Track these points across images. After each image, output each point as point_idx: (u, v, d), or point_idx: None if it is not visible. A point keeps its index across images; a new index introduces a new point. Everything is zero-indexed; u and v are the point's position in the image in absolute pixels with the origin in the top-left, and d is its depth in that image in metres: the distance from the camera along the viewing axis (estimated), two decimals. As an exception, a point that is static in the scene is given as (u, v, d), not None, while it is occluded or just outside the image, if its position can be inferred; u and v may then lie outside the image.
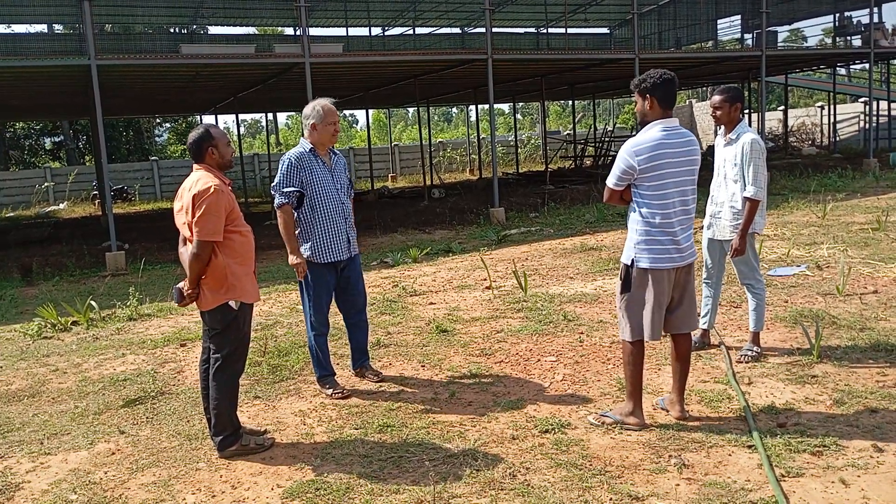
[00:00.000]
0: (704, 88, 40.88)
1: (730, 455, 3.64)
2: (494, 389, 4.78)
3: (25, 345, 6.85)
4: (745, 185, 4.87)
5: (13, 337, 7.22)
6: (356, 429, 4.29)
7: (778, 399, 4.29)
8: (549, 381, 4.88)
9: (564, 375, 4.97)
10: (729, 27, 30.72)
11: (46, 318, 7.38)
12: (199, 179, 3.92)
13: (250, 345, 6.06)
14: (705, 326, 5.32)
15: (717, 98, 5.01)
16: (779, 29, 26.05)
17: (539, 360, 5.35)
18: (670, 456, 3.65)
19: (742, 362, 4.94)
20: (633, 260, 3.93)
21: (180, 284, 4.01)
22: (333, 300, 5.06)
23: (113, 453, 4.17)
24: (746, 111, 28.65)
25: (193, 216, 3.83)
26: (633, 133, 4.15)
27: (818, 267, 7.65)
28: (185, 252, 4.03)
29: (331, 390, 4.89)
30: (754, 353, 5.00)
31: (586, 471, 3.56)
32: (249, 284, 4.07)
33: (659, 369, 4.93)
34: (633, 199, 3.92)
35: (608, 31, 33.00)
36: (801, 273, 7.42)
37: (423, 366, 5.40)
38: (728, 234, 5.03)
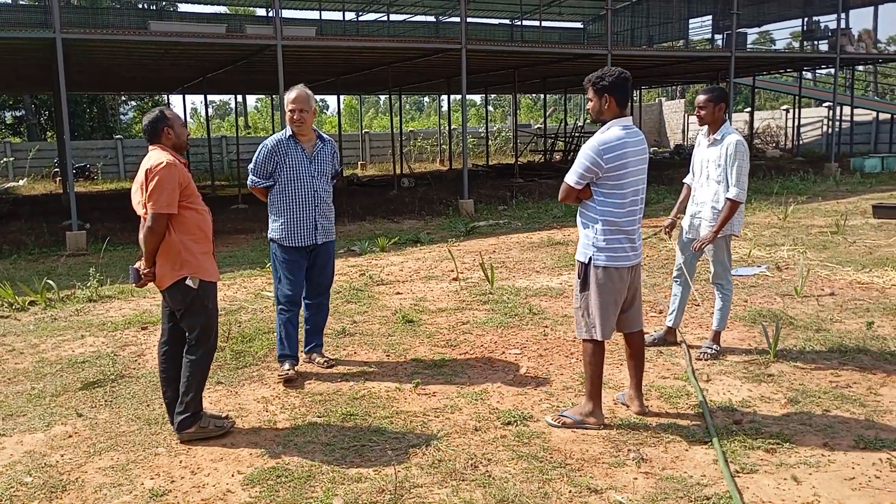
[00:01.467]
0: (674, 87, 41.38)
1: (687, 450, 3.71)
2: (458, 381, 4.81)
3: (-20, 324, 6.69)
4: (727, 186, 4.93)
5: (-32, 315, 7.04)
6: (319, 417, 4.28)
7: (735, 397, 4.39)
8: (513, 374, 4.92)
9: (528, 368, 5.02)
10: (700, 27, 31.11)
11: (3, 297, 7.21)
12: (150, 156, 3.93)
13: (214, 330, 6.02)
14: (670, 324, 5.41)
15: (701, 98, 5.04)
16: (748, 31, 26.42)
17: (503, 352, 5.39)
18: (629, 450, 3.72)
19: (701, 360, 5.03)
20: (590, 258, 3.94)
21: (136, 264, 3.98)
22: None
23: (70, 436, 4.11)
24: (714, 111, 29.05)
25: (147, 189, 3.81)
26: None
27: (778, 268, 7.82)
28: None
29: (282, 370, 4.93)
30: (713, 351, 5.10)
31: (547, 463, 3.61)
32: (207, 263, 4.03)
33: (621, 364, 5.00)
34: (595, 197, 3.90)
35: (581, 26, 33.17)
36: (761, 273, 7.58)
37: (387, 355, 5.40)
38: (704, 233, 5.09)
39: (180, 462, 3.77)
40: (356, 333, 5.98)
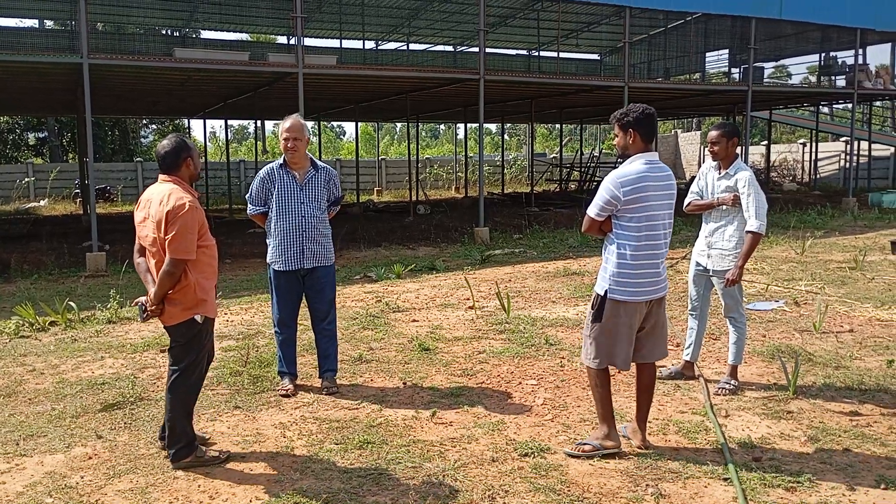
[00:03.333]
0: (690, 119, 41.47)
1: (706, 487, 3.69)
2: (475, 411, 4.81)
3: (2, 343, 6.77)
4: (744, 220, 4.96)
5: (-10, 334, 7.13)
6: (336, 444, 4.29)
7: (754, 433, 4.36)
8: (530, 405, 4.91)
9: (545, 400, 5.01)
10: (717, 60, 31.21)
11: (24, 317, 7.30)
12: (171, 194, 3.86)
13: (231, 354, 6.09)
14: (688, 358, 5.39)
15: (714, 133, 5.10)
16: (765, 65, 26.52)
17: (520, 383, 5.39)
18: (647, 485, 3.70)
19: (719, 395, 5.01)
20: (606, 291, 3.98)
21: (143, 299, 3.98)
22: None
23: (90, 458, 4.14)
24: (730, 144, 29.05)
25: (166, 234, 3.79)
26: (619, 161, 4.22)
27: (796, 303, 7.78)
28: (144, 263, 4.02)
29: (280, 385, 5.23)
30: (732, 387, 5.07)
31: (564, 496, 3.59)
32: (213, 298, 4.10)
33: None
34: (614, 230, 3.96)
35: (598, 58, 33.40)
36: (779, 308, 7.54)
37: (404, 383, 5.41)
38: (720, 266, 5.09)
39: (199, 486, 3.79)
40: (372, 360, 6.00)
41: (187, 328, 3.98)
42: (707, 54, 29.78)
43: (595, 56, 33.00)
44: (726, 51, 28.76)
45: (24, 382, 5.54)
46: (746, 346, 6.10)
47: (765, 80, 23.84)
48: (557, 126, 43.16)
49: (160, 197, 3.89)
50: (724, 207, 5.08)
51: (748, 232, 4.94)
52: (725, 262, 5.07)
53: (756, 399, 4.93)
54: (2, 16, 26.91)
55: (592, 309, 4.06)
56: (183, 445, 4.00)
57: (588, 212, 4.02)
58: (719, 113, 30.68)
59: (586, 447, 4.07)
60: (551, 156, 36.53)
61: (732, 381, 5.11)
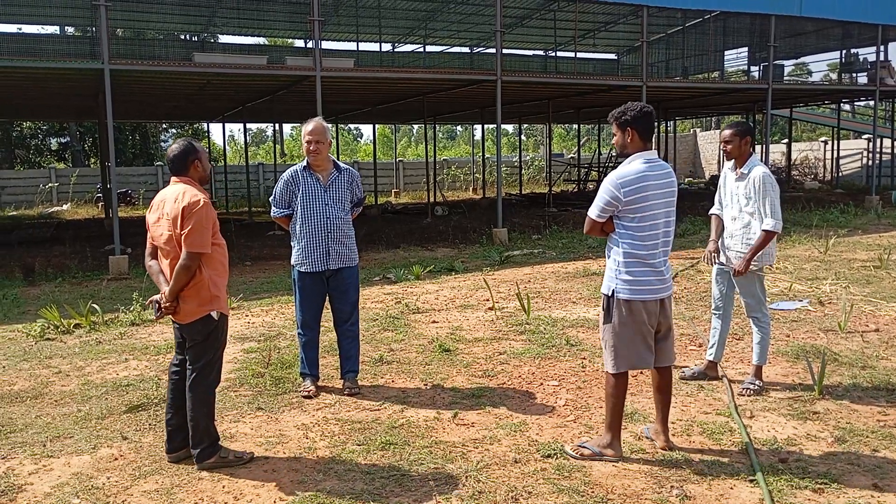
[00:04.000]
0: (709, 118, 41.20)
1: (731, 488, 3.65)
2: (497, 412, 4.80)
3: (28, 345, 6.87)
4: (762, 218, 4.93)
5: (16, 337, 7.23)
6: (358, 445, 4.30)
7: (780, 434, 4.31)
8: (552, 406, 4.89)
9: (567, 401, 4.99)
10: (735, 59, 30.96)
11: (49, 319, 7.39)
12: (185, 192, 3.95)
13: (253, 356, 6.13)
14: (711, 358, 5.35)
15: (727, 132, 5.08)
16: (785, 63, 26.29)
17: (542, 384, 5.37)
18: (672, 486, 3.67)
19: (744, 395, 4.96)
20: (613, 291, 3.96)
21: (157, 297, 4.03)
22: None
23: (116, 458, 4.18)
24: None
25: (183, 228, 3.87)
26: (619, 160, 4.19)
27: (820, 302, 7.69)
28: (156, 265, 4.08)
29: (302, 386, 5.26)
30: (756, 387, 5.02)
31: (588, 497, 3.58)
32: (225, 296, 4.16)
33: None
34: (616, 230, 3.95)
35: (615, 58, 33.25)
36: (803, 308, 7.45)
37: (425, 384, 5.41)
38: (736, 266, 5.06)
39: (223, 487, 3.81)
40: (393, 361, 6.00)
41: (203, 325, 4.02)
42: (726, 52, 29.55)
43: (612, 56, 32.86)
44: (745, 49, 28.53)
45: (51, 384, 5.61)
46: (771, 346, 6.05)
47: (785, 78, 23.63)
48: (575, 126, 43.01)
49: (174, 195, 3.98)
50: (742, 207, 5.04)
51: (763, 230, 4.91)
52: (733, 264, 5.07)
53: (781, 399, 4.88)
54: (24, 23, 27.26)
55: (603, 311, 4.05)
56: (207, 445, 4.03)
57: (589, 213, 4.01)
58: (739, 111, 30.42)
59: (585, 451, 4.04)
60: (569, 156, 36.42)
61: (757, 382, 5.06)
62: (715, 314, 5.38)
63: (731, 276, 5.11)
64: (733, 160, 5.14)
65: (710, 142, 36.43)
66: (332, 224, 5.16)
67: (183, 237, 3.87)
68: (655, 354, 4.05)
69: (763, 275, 5.18)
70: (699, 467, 3.88)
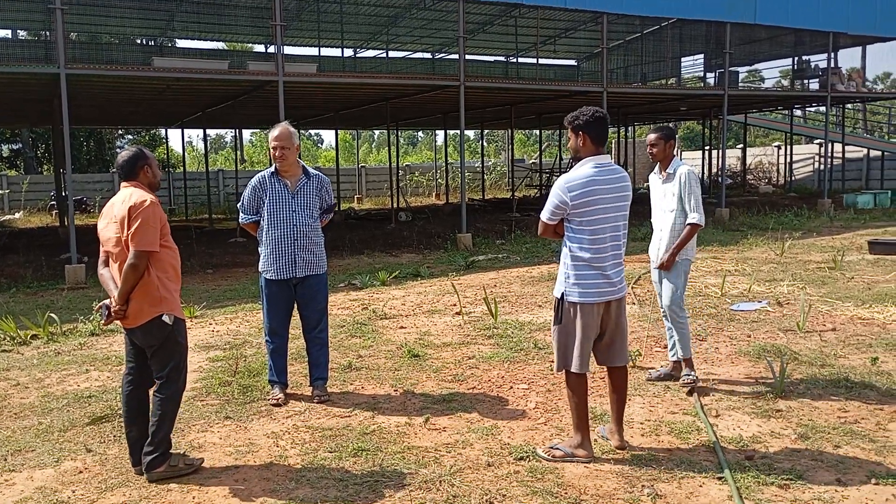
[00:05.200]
0: (666, 123, 41.91)
1: (700, 486, 3.72)
2: (468, 416, 4.81)
3: (-17, 357, 6.66)
4: (685, 214, 5.15)
5: (-30, 349, 7.01)
6: (330, 452, 4.27)
7: (745, 432, 4.41)
8: (522, 409, 4.93)
9: (537, 403, 5.03)
10: (692, 65, 31.58)
11: (5, 330, 7.20)
12: (132, 194, 3.95)
13: (219, 364, 6.04)
14: (674, 358, 5.43)
15: (652, 136, 5.31)
16: (740, 69, 26.87)
17: (511, 387, 5.40)
18: (643, 486, 3.72)
19: (688, 385, 5.09)
20: (563, 293, 4.03)
21: (106, 301, 3.97)
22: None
23: (80, 472, 4.08)
24: (707, 148, 29.44)
25: (129, 227, 3.85)
26: (569, 167, 4.29)
27: (779, 303, 7.88)
28: (107, 273, 4.04)
29: (271, 394, 5.20)
30: (693, 377, 5.18)
31: (562, 499, 3.61)
32: (178, 300, 4.10)
33: (629, 399, 5.00)
34: (566, 233, 4.03)
35: (576, 64, 33.65)
36: (762, 309, 7.63)
37: (395, 390, 5.40)
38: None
39: (193, 498, 3.75)
40: (362, 368, 5.98)
41: (158, 329, 3.94)
42: (683, 59, 30.13)
43: (572, 62, 33.25)
44: (702, 55, 29.13)
45: (9, 397, 5.45)
46: (733, 346, 6.23)
47: (739, 84, 24.17)
48: (536, 132, 43.40)
49: (122, 198, 3.98)
50: (668, 206, 5.25)
51: (689, 223, 5.14)
52: (658, 262, 5.29)
53: (745, 398, 4.99)
54: (-26, 26, 26.51)
55: (554, 312, 4.12)
56: (160, 453, 3.95)
57: (541, 216, 4.10)
58: (695, 117, 31.02)
59: (557, 452, 4.08)
60: (530, 161, 36.71)
61: (692, 373, 5.22)
62: (664, 316, 5.47)
63: (658, 270, 5.28)
64: (658, 163, 5.35)
65: (668, 147, 37.02)
66: (299, 231, 5.12)
67: (130, 236, 3.84)
68: (606, 354, 4.13)
69: (688, 269, 5.33)
70: (669, 466, 3.95)
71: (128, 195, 3.95)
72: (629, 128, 31.61)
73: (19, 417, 5.00)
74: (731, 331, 6.78)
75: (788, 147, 27.99)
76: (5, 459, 4.26)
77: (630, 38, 28.66)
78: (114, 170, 30.79)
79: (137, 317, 3.92)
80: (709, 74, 28.92)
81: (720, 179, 19.79)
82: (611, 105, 20.19)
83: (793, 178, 28.44)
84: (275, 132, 5.07)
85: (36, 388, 5.64)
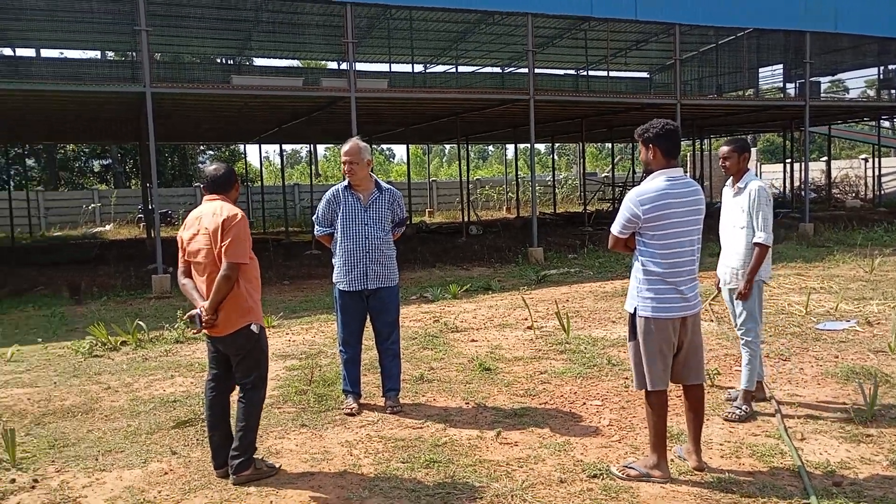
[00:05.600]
0: (745, 136, 40.76)
1: (785, 511, 3.59)
2: (540, 431, 4.78)
3: (77, 362, 7.02)
4: (753, 231, 4.90)
5: (65, 354, 7.39)
6: (403, 462, 4.31)
7: (832, 457, 4.22)
8: (595, 426, 4.86)
9: (611, 420, 4.95)
10: (771, 76, 30.66)
11: (97, 336, 7.55)
12: (223, 207, 4.10)
13: (296, 373, 6.19)
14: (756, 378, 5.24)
15: (725, 149, 5.11)
16: (821, 79, 25.95)
17: (584, 403, 5.33)
18: (723, 508, 3.61)
19: (729, 420, 4.84)
20: (635, 308, 3.96)
21: (196, 311, 4.07)
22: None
23: (165, 473, 4.25)
24: (788, 160, 28.47)
25: (223, 240, 3.99)
26: (643, 177, 4.21)
27: (868, 323, 7.53)
28: (190, 282, 4.16)
29: (345, 404, 5.31)
30: (742, 412, 4.87)
31: (638, 519, 3.54)
32: (260, 310, 4.25)
33: (707, 419, 4.86)
34: (637, 247, 3.97)
35: (648, 76, 33.15)
36: (850, 328, 7.30)
37: (467, 403, 5.41)
38: (731, 282, 5.03)
39: (270, 502, 3.85)
40: (434, 380, 6.01)
41: (245, 338, 4.10)
42: (761, 69, 29.29)
43: (645, 74, 32.77)
44: (780, 66, 28.25)
45: (101, 400, 5.73)
46: (819, 367, 5.98)
47: (821, 95, 23.33)
48: (608, 145, 42.88)
49: (211, 211, 4.11)
50: (736, 222, 5.02)
51: (755, 244, 4.87)
52: (734, 279, 5.00)
53: (832, 422, 4.78)
54: (67, 48, 28.10)
55: (628, 328, 4.05)
56: (247, 457, 4.09)
57: (612, 230, 4.05)
58: (775, 129, 30.08)
59: (632, 471, 4.00)
60: (602, 175, 36.29)
61: (744, 407, 4.91)
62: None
63: (732, 297, 5.03)
64: (731, 177, 5.15)
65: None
66: (370, 244, 5.20)
67: (223, 248, 3.98)
68: (681, 372, 4.02)
69: (762, 291, 5.06)
70: (750, 490, 3.82)
71: (218, 208, 4.09)
72: (705, 140, 30.88)
73: (110, 420, 5.24)
74: (816, 351, 6.52)
75: (876, 160, 26.78)
76: (97, 459, 4.47)
77: (705, 48, 28.07)
78: (197, 184, 32.03)
79: (227, 326, 4.06)
80: (788, 85, 28.04)
81: (803, 193, 19.08)
82: (684, 117, 19.78)
83: (882, 191, 27.18)
84: (345, 147, 5.20)
85: (125, 392, 5.91)
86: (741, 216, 4.98)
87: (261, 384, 4.19)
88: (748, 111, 21.18)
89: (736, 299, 4.97)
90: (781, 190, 29.23)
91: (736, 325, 5.17)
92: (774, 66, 29.12)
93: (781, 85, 29.24)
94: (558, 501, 3.75)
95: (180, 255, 4.24)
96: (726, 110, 21.11)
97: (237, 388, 4.20)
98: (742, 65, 26.85)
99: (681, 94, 16.65)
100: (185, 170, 36.79)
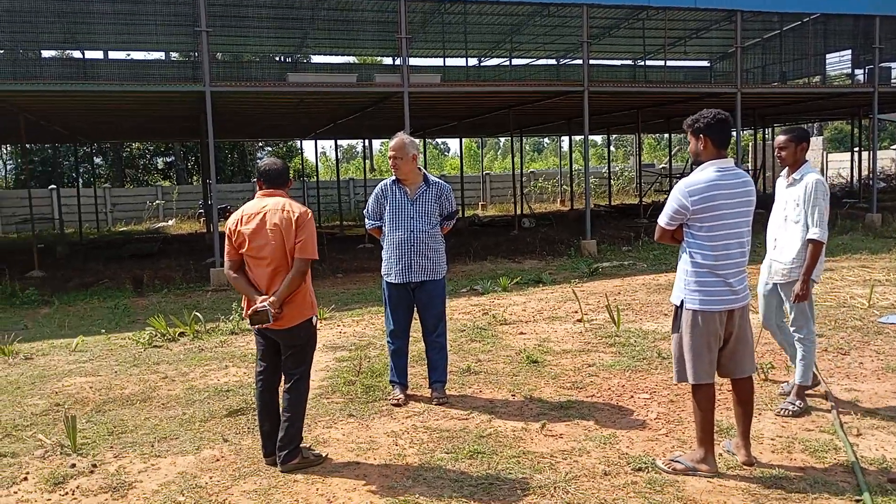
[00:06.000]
0: (810, 125, 39.41)
1: (836, 508, 3.48)
2: (586, 423, 4.75)
3: (137, 352, 7.29)
4: (807, 227, 4.70)
5: (126, 344, 7.68)
6: (447, 453, 4.35)
7: (889, 453, 4.08)
8: (642, 419, 4.80)
9: (658, 414, 4.88)
10: (838, 62, 29.53)
11: (156, 328, 7.82)
12: (291, 203, 4.18)
13: (345, 364, 6.30)
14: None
15: (781, 139, 4.90)
16: (892, 65, 24.85)
17: (632, 396, 5.27)
18: (771, 504, 3.53)
19: (782, 416, 4.70)
20: (682, 301, 3.89)
21: (262, 306, 4.05)
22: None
23: (217, 460, 4.38)
24: (856, 149, 27.41)
25: (298, 237, 4.08)
26: (693, 168, 4.11)
27: (935, 316, 7.22)
28: (243, 277, 4.19)
29: (391, 394, 5.39)
30: (796, 408, 4.73)
31: (682, 513, 3.49)
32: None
33: (759, 414, 4.75)
34: (685, 238, 3.90)
35: (708, 65, 32.34)
36: (915, 322, 7.01)
37: (513, 395, 5.41)
38: (782, 278, 4.82)
39: (317, 490, 3.93)
40: (481, 372, 6.03)
41: (306, 330, 4.21)
42: (828, 56, 28.25)
43: (705, 63, 31.99)
44: (849, 51, 27.20)
45: (158, 388, 5.94)
46: (880, 361, 5.77)
47: (892, 81, 22.33)
48: (666, 136, 42.05)
49: (278, 206, 4.15)
50: (788, 215, 4.82)
51: (809, 240, 4.67)
52: (783, 276, 4.81)
53: (891, 418, 4.61)
54: (133, 49, 29.07)
55: (672, 321, 3.97)
56: (294, 447, 4.18)
57: (659, 221, 3.98)
58: (842, 117, 29.01)
59: (678, 465, 3.95)
60: (660, 166, 35.61)
61: (797, 402, 4.76)
62: (780, 328, 5.10)
63: (780, 292, 4.86)
64: (787, 167, 4.93)
65: (811, 149, 34.84)
66: (415, 237, 5.24)
67: (298, 245, 4.08)
68: (728, 366, 3.94)
69: (812, 289, 4.86)
70: (800, 486, 3.72)
71: (286, 204, 4.17)
72: (768, 130, 29.99)
73: (166, 408, 5.43)
74: (878, 345, 6.28)
75: (951, 147, 25.51)
76: (152, 446, 4.64)
77: (768, 35, 27.22)
78: (255, 180, 32.76)
79: (291, 319, 4.15)
80: (857, 71, 26.96)
81: (871, 182, 18.36)
82: (746, 107, 19.24)
83: (956, 180, 25.90)
84: (391, 143, 5.29)
85: (181, 382, 6.11)
86: (795, 210, 4.78)
87: (307, 376, 4.29)
88: (813, 99, 20.43)
89: (793, 302, 4.78)
90: (848, 179, 28.17)
91: (762, 320, 5.02)
92: (842, 52, 28.07)
93: (849, 71, 28.16)
94: (602, 494, 3.72)
95: (230, 249, 4.24)
96: (789, 98, 20.44)
97: (283, 379, 4.30)
98: (808, 51, 25.96)
99: (741, 83, 16.20)
100: (245, 166, 37.65)
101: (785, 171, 4.98)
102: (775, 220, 4.97)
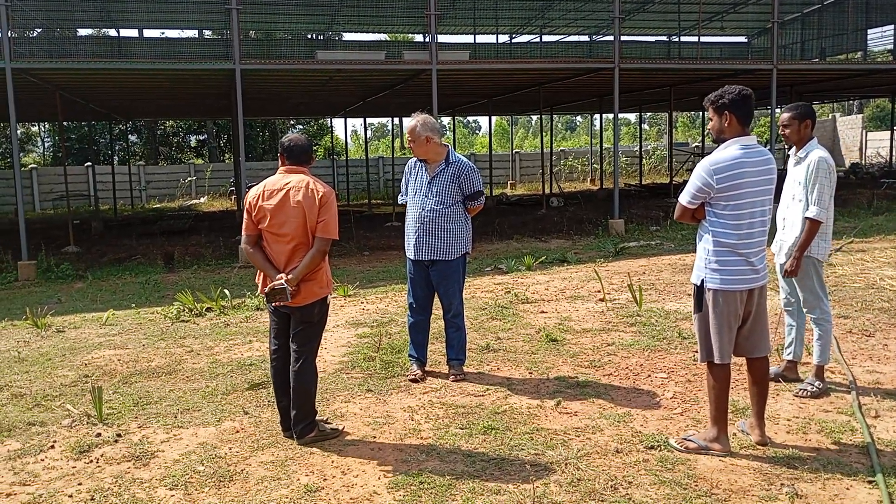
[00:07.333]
0: (850, 102, 38.39)
1: (847, 489, 3.46)
2: (601, 402, 4.76)
3: (165, 326, 7.46)
4: (807, 205, 4.61)
5: (155, 318, 7.87)
6: (461, 429, 4.40)
7: (908, 436, 4.03)
8: (658, 398, 4.80)
9: (675, 393, 4.87)
10: (881, 38, 28.68)
11: (184, 303, 7.99)
12: (315, 182, 4.20)
13: (365, 340, 6.37)
14: (790, 357, 5.01)
15: (785, 116, 4.77)
16: (938, 39, 24.06)
17: (649, 375, 5.26)
18: (782, 484, 3.52)
19: (800, 397, 4.65)
20: (703, 280, 3.85)
21: (279, 283, 4.06)
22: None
23: (237, 431, 4.49)
24: (895, 128, 26.66)
25: (321, 217, 4.11)
26: (716, 146, 4.03)
27: (967, 299, 7.06)
28: (260, 253, 4.20)
29: (409, 370, 5.45)
30: (815, 389, 4.67)
31: (691, 491, 3.50)
32: None
33: (777, 394, 4.72)
34: (707, 217, 3.85)
35: (746, 41, 31.64)
36: (946, 304, 6.86)
37: (530, 373, 5.44)
38: (781, 259, 4.78)
39: (332, 462, 4.02)
40: (500, 350, 6.06)
41: (320, 308, 4.27)
42: (869, 31, 27.43)
43: (743, 39, 31.31)
44: (891, 27, 26.37)
45: (183, 362, 6.09)
46: (904, 343, 5.65)
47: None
48: (700, 114, 41.32)
49: (301, 184, 4.16)
50: (793, 198, 4.73)
51: (805, 218, 4.58)
52: (783, 256, 4.75)
53: (913, 400, 4.54)
54: (167, 28, 29.37)
55: (693, 301, 3.95)
56: (309, 422, 4.27)
57: (679, 199, 3.92)
58: (884, 94, 28.22)
59: (690, 444, 3.95)
60: (693, 144, 35.05)
61: (816, 383, 4.70)
62: (787, 311, 5.02)
63: (781, 275, 4.79)
64: (794, 145, 4.81)
65: (851, 127, 33.98)
66: (424, 216, 5.25)
67: (321, 225, 4.12)
68: (745, 345, 3.93)
69: (821, 268, 4.78)
70: (814, 466, 3.70)
71: (310, 182, 4.18)
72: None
73: (190, 380, 5.57)
74: (905, 327, 6.17)
75: None
76: (175, 417, 4.77)
77: (808, 10, 26.50)
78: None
79: (308, 296, 4.20)
80: (900, 46, 26.16)
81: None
82: (782, 83, 18.80)
83: None
84: (407, 122, 5.33)
85: (206, 356, 6.25)
86: (799, 188, 4.70)
87: (316, 353, 4.34)
88: (852, 76, 19.89)
89: (783, 276, 4.76)
90: (887, 159, 27.47)
91: (785, 301, 4.98)
92: (885, 27, 27.22)
93: (892, 47, 27.32)
94: (612, 471, 3.74)
95: (249, 222, 4.24)
96: (828, 75, 19.92)
97: (291, 358, 4.31)
98: (848, 27, 25.22)
99: (778, 59, 15.83)
100: (275, 144, 37.90)
101: (792, 150, 4.88)
102: (784, 199, 4.90)
